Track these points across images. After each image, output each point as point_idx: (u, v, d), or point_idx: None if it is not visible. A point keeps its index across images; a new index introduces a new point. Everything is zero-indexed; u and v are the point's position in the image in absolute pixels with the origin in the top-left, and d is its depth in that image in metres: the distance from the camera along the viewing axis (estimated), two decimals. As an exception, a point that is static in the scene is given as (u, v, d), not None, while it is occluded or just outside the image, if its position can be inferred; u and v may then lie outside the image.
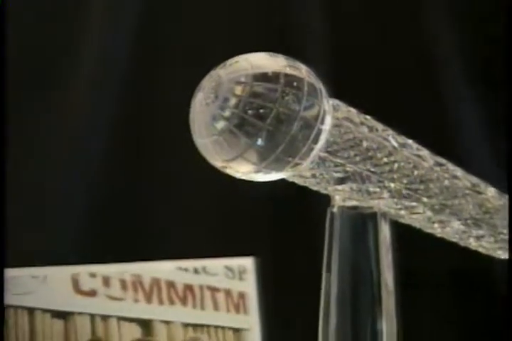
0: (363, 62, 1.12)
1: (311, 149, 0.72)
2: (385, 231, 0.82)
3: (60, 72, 1.19)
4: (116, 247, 1.09)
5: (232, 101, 0.71)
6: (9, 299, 0.91)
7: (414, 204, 0.82)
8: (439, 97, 1.17)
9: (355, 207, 0.82)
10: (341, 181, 0.78)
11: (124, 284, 0.93)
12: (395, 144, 0.79)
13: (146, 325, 0.94)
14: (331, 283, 0.82)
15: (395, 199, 0.80)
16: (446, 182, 0.83)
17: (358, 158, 0.77)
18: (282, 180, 0.75)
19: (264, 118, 0.71)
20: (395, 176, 0.79)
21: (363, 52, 1.14)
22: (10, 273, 0.91)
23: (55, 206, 1.17)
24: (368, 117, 0.78)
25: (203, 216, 1.14)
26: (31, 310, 0.91)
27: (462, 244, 0.87)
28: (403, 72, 1.15)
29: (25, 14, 1.20)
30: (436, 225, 0.85)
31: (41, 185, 1.20)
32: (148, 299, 0.94)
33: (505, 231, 0.88)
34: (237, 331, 0.95)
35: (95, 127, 1.18)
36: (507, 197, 0.90)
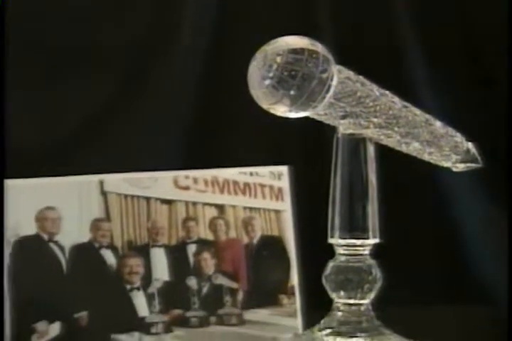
0: (358, 42, 1.09)
1: (324, 97, 0.74)
2: (371, 150, 0.83)
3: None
4: (202, 158, 1.07)
5: (274, 66, 0.73)
6: (134, 192, 0.91)
7: (389, 132, 0.82)
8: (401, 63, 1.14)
9: (351, 134, 0.82)
10: (343, 117, 0.79)
11: (206, 182, 0.93)
12: (378, 94, 0.80)
13: (220, 208, 0.93)
14: (336, 183, 0.83)
15: (377, 129, 0.81)
16: (410, 118, 0.82)
17: (353, 103, 0.78)
18: (307, 117, 0.77)
19: (294, 78, 0.72)
20: (377, 114, 0.80)
21: (357, 36, 1.11)
22: (135, 175, 0.92)
23: (165, 127, 1.13)
24: (360, 77, 0.79)
25: (258, 140, 1.11)
26: (148, 199, 0.91)
27: (419, 157, 0.87)
28: (379, 50, 1.12)
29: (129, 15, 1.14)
30: (403, 145, 0.85)
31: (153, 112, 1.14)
32: (221, 191, 0.93)
33: (447, 149, 0.87)
34: (277, 212, 0.94)
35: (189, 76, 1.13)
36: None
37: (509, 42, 1.11)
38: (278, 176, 0.94)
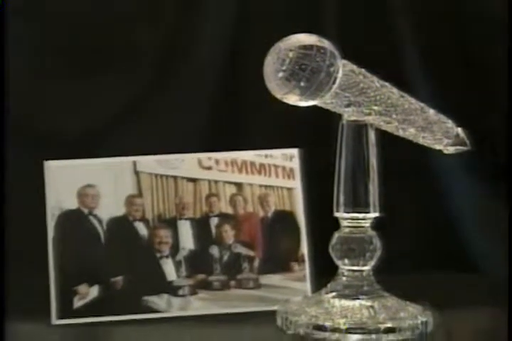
0: (360, 40, 1.07)
1: (331, 88, 0.74)
2: (372, 134, 0.83)
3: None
4: (223, 142, 1.04)
5: (287, 61, 0.74)
6: (163, 171, 0.91)
7: (388, 119, 0.82)
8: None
9: (355, 121, 0.83)
10: (347, 106, 0.79)
11: (226, 163, 0.92)
12: (378, 85, 0.80)
13: (238, 185, 0.92)
14: (341, 164, 0.83)
15: (378, 116, 0.81)
16: (406, 106, 0.83)
17: (356, 93, 0.78)
18: (315, 105, 0.77)
19: (304, 70, 0.73)
20: (378, 103, 0.80)
21: (360, 35, 1.08)
22: (164, 157, 0.91)
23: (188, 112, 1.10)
24: (362, 70, 0.79)
25: (272, 126, 1.08)
26: (175, 177, 0.91)
27: (415, 141, 0.87)
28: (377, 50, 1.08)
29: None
30: (400, 131, 0.85)
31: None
32: (240, 171, 0.92)
33: (439, 133, 0.86)
34: (289, 189, 0.93)
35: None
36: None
37: (509, 34, 1.08)
38: (290, 158, 0.94)
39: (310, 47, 0.73)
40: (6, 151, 1.05)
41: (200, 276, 0.90)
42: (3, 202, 0.99)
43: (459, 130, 0.89)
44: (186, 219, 0.91)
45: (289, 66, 0.73)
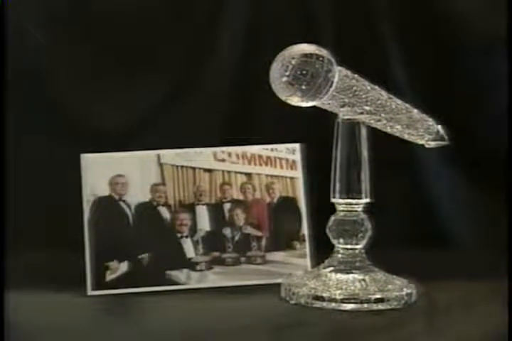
0: (353, 47, 1.05)
1: (328, 90, 0.74)
2: (364, 131, 0.83)
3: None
4: (235, 137, 1.00)
5: (290, 67, 0.74)
6: (183, 163, 0.90)
7: (377, 117, 0.82)
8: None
9: (349, 119, 0.82)
10: (342, 106, 0.79)
11: (237, 156, 0.92)
12: (369, 88, 0.80)
13: (248, 175, 0.92)
14: (337, 156, 0.83)
15: (368, 115, 0.81)
16: (393, 106, 0.82)
17: (350, 95, 0.78)
18: (314, 106, 0.77)
19: (305, 75, 0.73)
20: (368, 104, 0.80)
21: (352, 43, 1.06)
22: (184, 151, 0.90)
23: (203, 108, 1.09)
24: (356, 75, 0.79)
25: (278, 124, 1.06)
26: (194, 168, 0.91)
27: (400, 136, 0.86)
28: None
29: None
30: (388, 128, 0.85)
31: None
32: (249, 163, 0.92)
33: (422, 130, 0.86)
34: (292, 178, 0.92)
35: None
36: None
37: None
38: (292, 151, 0.93)
39: (310, 55, 0.74)
40: (50, 147, 1.06)
41: (215, 253, 0.90)
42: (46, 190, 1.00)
43: (439, 127, 0.89)
44: (203, 204, 0.91)
45: (292, 72, 0.73)
